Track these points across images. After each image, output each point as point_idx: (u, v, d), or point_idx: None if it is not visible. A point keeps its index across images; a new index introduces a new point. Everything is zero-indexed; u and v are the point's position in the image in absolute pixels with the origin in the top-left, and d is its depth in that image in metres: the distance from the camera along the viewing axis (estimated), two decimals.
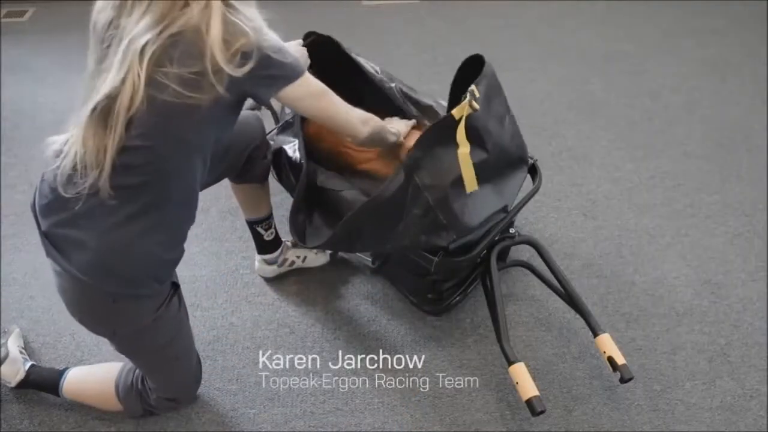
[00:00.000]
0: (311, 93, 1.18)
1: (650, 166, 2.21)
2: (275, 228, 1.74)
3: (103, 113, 1.01)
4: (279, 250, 1.77)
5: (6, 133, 2.45)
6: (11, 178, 2.22)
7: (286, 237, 1.81)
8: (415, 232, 1.37)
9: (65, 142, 1.07)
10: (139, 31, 0.99)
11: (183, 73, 0.99)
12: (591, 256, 1.88)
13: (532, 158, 1.66)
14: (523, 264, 1.73)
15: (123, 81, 0.99)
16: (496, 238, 1.55)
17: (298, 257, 1.80)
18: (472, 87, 1.35)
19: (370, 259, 1.75)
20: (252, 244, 1.76)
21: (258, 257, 1.79)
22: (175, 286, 1.27)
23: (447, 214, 1.36)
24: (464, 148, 1.36)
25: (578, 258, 1.88)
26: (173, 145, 1.08)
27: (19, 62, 2.90)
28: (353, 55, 1.64)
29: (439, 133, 1.33)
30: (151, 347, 1.27)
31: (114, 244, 1.09)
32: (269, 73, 1.07)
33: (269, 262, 1.78)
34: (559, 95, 2.59)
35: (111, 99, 1.00)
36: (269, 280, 1.82)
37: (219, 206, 2.06)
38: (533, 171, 1.67)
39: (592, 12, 3.16)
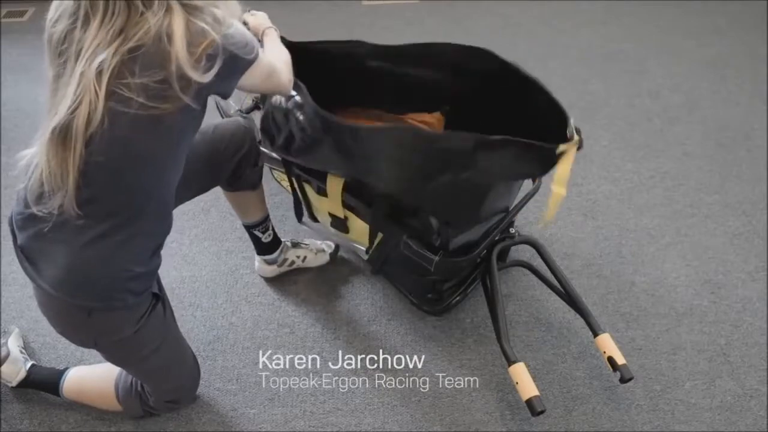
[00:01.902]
0: (263, 75, 1.15)
1: (650, 166, 2.21)
2: (273, 229, 1.73)
3: (62, 134, 0.98)
4: (279, 251, 1.77)
5: (6, 133, 2.45)
6: (11, 178, 2.22)
7: (286, 237, 1.82)
8: (434, 194, 1.32)
9: (32, 158, 1.06)
10: (96, 47, 0.95)
11: (148, 82, 0.95)
12: (591, 256, 1.88)
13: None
14: (523, 264, 1.73)
15: (80, 101, 0.95)
16: (496, 238, 1.55)
17: (298, 257, 1.80)
18: (573, 125, 1.28)
19: (363, 248, 1.69)
20: (252, 244, 1.76)
21: (258, 257, 1.79)
22: (157, 296, 1.24)
23: (473, 200, 1.34)
24: (560, 189, 1.26)
25: (578, 258, 1.88)
26: (139, 161, 1.04)
27: (19, 62, 2.90)
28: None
29: (532, 152, 1.26)
30: (137, 356, 1.26)
31: (83, 261, 1.07)
32: (233, 71, 1.05)
33: (269, 263, 1.78)
34: (559, 95, 2.57)
35: (69, 119, 0.97)
36: (269, 280, 1.82)
37: (219, 206, 2.06)
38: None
39: (592, 12, 3.16)
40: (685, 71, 2.70)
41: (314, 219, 1.78)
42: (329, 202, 1.60)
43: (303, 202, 1.74)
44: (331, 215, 1.64)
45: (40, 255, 1.09)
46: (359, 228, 1.62)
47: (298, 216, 1.81)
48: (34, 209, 1.04)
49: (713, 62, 2.76)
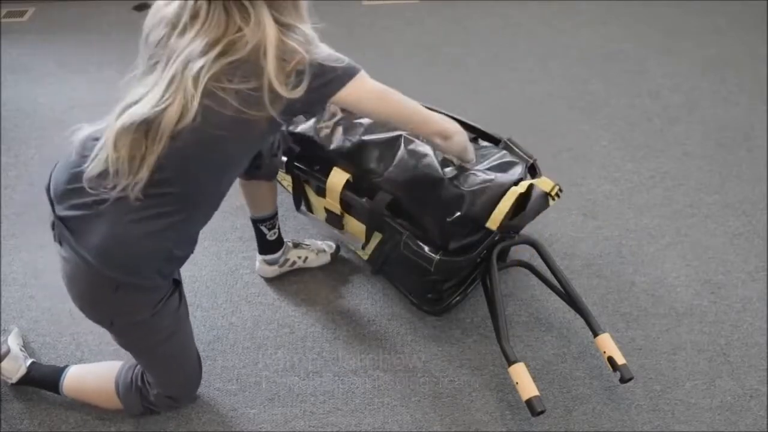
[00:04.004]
0: (369, 93, 1.18)
1: (650, 166, 2.21)
2: (279, 228, 1.73)
3: (144, 127, 1.04)
4: (281, 251, 1.77)
5: (6, 133, 2.45)
6: (11, 178, 2.22)
7: (287, 237, 1.82)
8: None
9: (96, 138, 1.09)
10: (193, 53, 1.02)
11: (242, 88, 1.02)
12: (591, 256, 1.88)
13: (531, 158, 1.66)
14: (523, 264, 1.72)
15: (171, 101, 1.02)
16: (496, 238, 1.55)
17: (299, 257, 1.80)
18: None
19: (360, 243, 1.71)
20: (253, 243, 1.76)
21: (259, 257, 1.79)
22: (177, 283, 1.27)
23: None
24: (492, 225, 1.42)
25: (578, 258, 1.88)
26: (215, 158, 1.11)
27: (19, 62, 2.90)
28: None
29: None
30: (148, 342, 1.28)
31: (129, 232, 1.10)
32: (322, 82, 1.08)
33: (270, 263, 1.78)
34: (559, 95, 2.59)
35: (155, 115, 1.03)
36: (269, 280, 1.82)
37: (219, 206, 2.05)
38: (533, 171, 1.67)
39: (592, 12, 3.16)
40: (685, 71, 2.70)
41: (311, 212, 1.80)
42: (327, 201, 1.61)
43: (303, 199, 1.75)
44: (327, 211, 1.64)
45: (84, 225, 1.10)
46: (355, 226, 1.63)
47: (297, 205, 1.81)
48: (86, 185, 1.07)
49: (713, 62, 2.76)
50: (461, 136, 1.41)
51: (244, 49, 1.02)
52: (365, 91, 1.17)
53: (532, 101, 2.55)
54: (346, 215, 1.63)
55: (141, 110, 1.03)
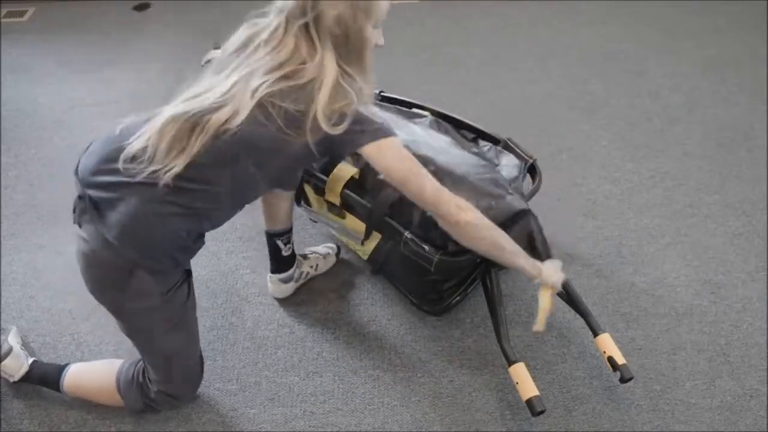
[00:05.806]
0: (395, 155, 1.21)
1: (650, 166, 2.21)
2: (293, 243, 1.71)
3: (192, 119, 1.11)
4: (294, 266, 1.74)
5: (6, 133, 2.45)
6: (11, 178, 2.23)
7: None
8: None
9: (145, 121, 1.16)
10: (258, 70, 1.12)
11: (290, 109, 1.10)
12: (591, 256, 1.88)
13: (531, 158, 1.66)
14: None
15: (225, 103, 1.11)
16: None
17: (311, 267, 1.79)
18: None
19: (359, 238, 1.70)
20: (253, 244, 1.76)
21: (272, 278, 1.74)
22: (188, 274, 1.31)
23: None
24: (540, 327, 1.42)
25: (578, 258, 1.88)
26: (248, 168, 1.16)
27: (19, 62, 2.90)
28: None
29: None
30: (154, 330, 1.29)
31: (149, 217, 1.15)
32: (357, 128, 1.14)
33: (286, 280, 1.74)
34: (559, 95, 2.59)
35: (206, 112, 1.11)
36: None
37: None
38: (533, 171, 1.67)
39: (592, 12, 3.16)
40: (685, 71, 2.71)
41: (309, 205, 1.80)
42: (328, 195, 1.60)
43: (303, 198, 1.75)
44: (327, 202, 1.63)
45: (109, 205, 1.15)
46: (355, 223, 1.62)
47: (297, 201, 1.81)
48: (121, 164, 1.13)
49: (713, 62, 2.76)
50: (487, 230, 1.28)
51: (303, 79, 1.11)
52: (393, 152, 1.21)
53: (532, 101, 2.55)
54: (346, 212, 1.62)
55: (196, 105, 1.12)
